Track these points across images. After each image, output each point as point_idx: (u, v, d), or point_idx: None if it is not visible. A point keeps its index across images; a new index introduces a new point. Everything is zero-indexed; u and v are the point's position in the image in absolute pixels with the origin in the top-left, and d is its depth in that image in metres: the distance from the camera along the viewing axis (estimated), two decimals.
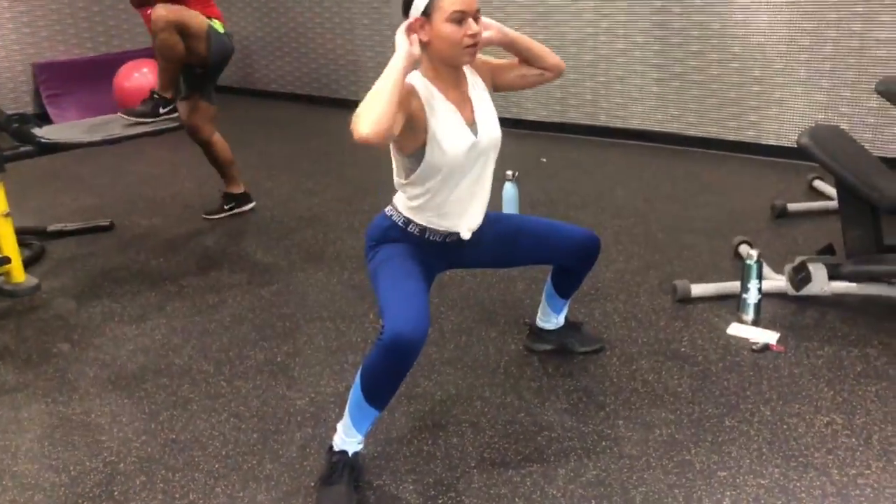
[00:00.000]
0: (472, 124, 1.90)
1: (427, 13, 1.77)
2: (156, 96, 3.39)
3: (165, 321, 2.81)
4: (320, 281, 3.10)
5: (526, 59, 2.01)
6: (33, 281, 3.04)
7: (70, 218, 3.89)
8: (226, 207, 3.87)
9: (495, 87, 2.03)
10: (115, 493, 1.89)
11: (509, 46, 1.98)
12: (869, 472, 1.85)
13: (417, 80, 1.84)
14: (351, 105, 6.39)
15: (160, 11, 3.19)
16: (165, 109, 3.39)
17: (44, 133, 3.24)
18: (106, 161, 4.93)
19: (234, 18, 7.33)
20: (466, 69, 1.94)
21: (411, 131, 1.79)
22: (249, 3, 7.18)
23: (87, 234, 3.73)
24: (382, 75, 1.68)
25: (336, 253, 3.38)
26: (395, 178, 1.95)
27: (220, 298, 2.98)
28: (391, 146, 1.89)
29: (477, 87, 1.96)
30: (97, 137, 3.28)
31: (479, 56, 1.92)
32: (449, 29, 1.76)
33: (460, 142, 1.85)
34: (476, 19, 1.79)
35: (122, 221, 3.88)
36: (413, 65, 1.75)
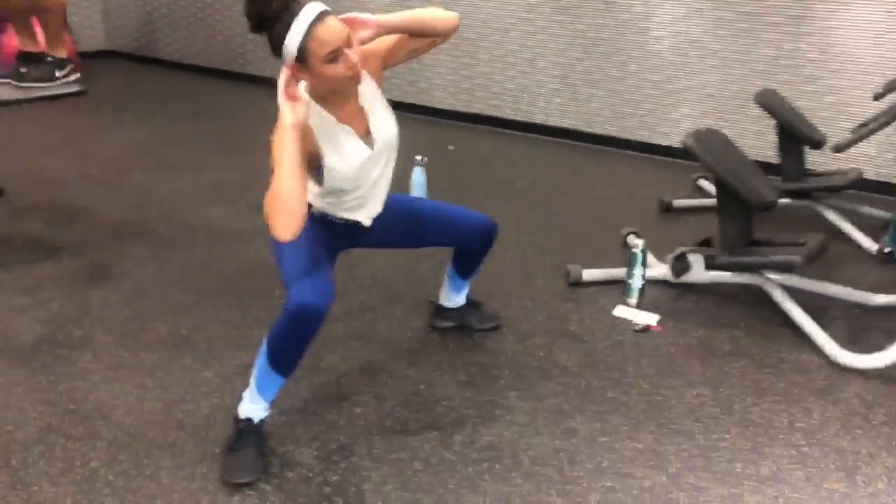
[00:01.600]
0: (366, 136, 1.92)
1: (301, 59, 1.71)
2: (49, 58, 3.21)
3: (63, 292, 2.74)
4: (224, 256, 3.10)
5: (420, 35, 1.95)
6: None
7: None
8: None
9: (387, 67, 2.00)
10: (13, 462, 1.88)
11: (399, 33, 1.92)
12: (728, 436, 2.08)
13: (309, 108, 1.77)
14: (259, 81, 6.34)
15: None
16: (62, 73, 3.21)
17: None
18: None
19: None
20: None
21: (309, 160, 1.79)
22: None
23: None
24: (278, 161, 1.64)
25: (240, 230, 3.38)
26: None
27: (121, 270, 2.93)
28: None
29: (367, 92, 1.93)
30: None
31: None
32: (328, 70, 1.72)
33: (355, 161, 1.89)
34: (350, 44, 1.73)
35: (14, 189, 3.71)
36: (301, 124, 1.69)
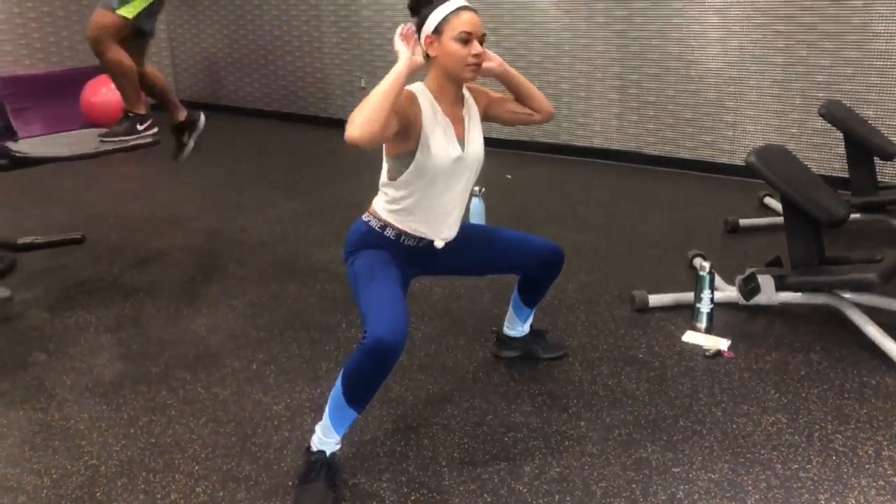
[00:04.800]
0: (461, 140, 2.05)
1: (438, 31, 1.94)
2: (130, 115, 3.43)
3: (140, 331, 2.86)
4: (293, 292, 3.18)
5: (518, 95, 2.19)
6: (5, 292, 3.06)
7: (41, 231, 3.90)
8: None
9: (486, 116, 2.19)
10: (98, 495, 1.95)
11: (507, 80, 2.15)
12: (810, 466, 2.00)
13: (421, 91, 2.00)
14: (319, 122, 6.57)
15: (91, 33, 3.14)
16: (143, 126, 3.41)
17: (18, 147, 3.27)
18: (75, 175, 4.94)
19: (203, 35, 7.39)
20: (465, 91, 2.09)
21: (405, 136, 1.92)
22: (218, 21, 7.25)
23: (59, 246, 3.75)
24: (383, 80, 1.79)
25: (308, 265, 3.46)
26: (382, 178, 2.06)
27: (193, 309, 3.04)
28: (383, 146, 2.00)
29: (471, 110, 2.12)
30: (70, 152, 3.32)
31: (479, 85, 2.11)
32: (455, 47, 1.93)
33: (449, 151, 2.00)
34: (481, 42, 1.96)
35: (93, 235, 3.91)
36: (414, 71, 1.87)
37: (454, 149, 2.01)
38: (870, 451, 2.05)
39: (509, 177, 4.81)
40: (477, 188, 3.68)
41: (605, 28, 4.94)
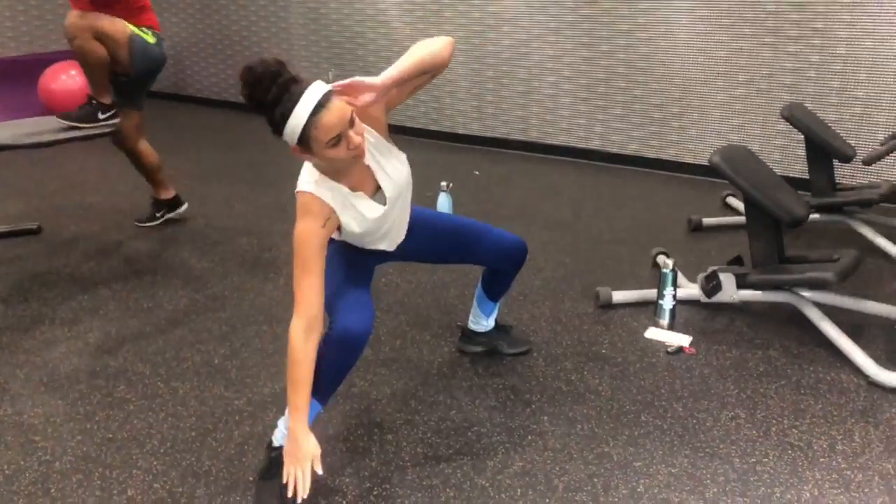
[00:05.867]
0: (376, 194, 1.92)
1: (303, 143, 1.68)
2: (94, 102, 3.36)
3: (98, 324, 2.80)
4: (255, 286, 3.14)
5: (421, 75, 1.90)
6: None
7: None
8: (157, 214, 3.85)
9: (390, 111, 1.97)
10: (52, 491, 1.90)
11: (404, 84, 1.87)
12: (767, 459, 2.04)
13: (319, 186, 1.80)
14: None
15: (71, 18, 3.15)
16: (104, 115, 3.35)
17: None
18: (32, 164, 4.81)
19: (167, 24, 7.25)
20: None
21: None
22: (183, 9, 7.13)
23: (14, 237, 3.65)
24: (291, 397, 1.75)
25: (271, 259, 3.42)
26: None
27: (154, 303, 2.98)
28: None
29: (374, 150, 1.89)
30: (29, 140, 3.23)
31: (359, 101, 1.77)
32: (330, 153, 1.68)
33: (370, 217, 1.90)
34: (353, 123, 1.68)
35: (50, 226, 3.82)
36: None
37: (373, 210, 1.91)
38: (824, 445, 2.09)
39: (477, 173, 4.82)
40: (444, 183, 3.68)
41: (573, 27, 4.96)
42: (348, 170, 1.83)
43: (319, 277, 1.75)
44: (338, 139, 1.66)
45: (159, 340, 2.68)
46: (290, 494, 1.72)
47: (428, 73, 1.91)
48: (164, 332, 2.74)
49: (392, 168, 1.94)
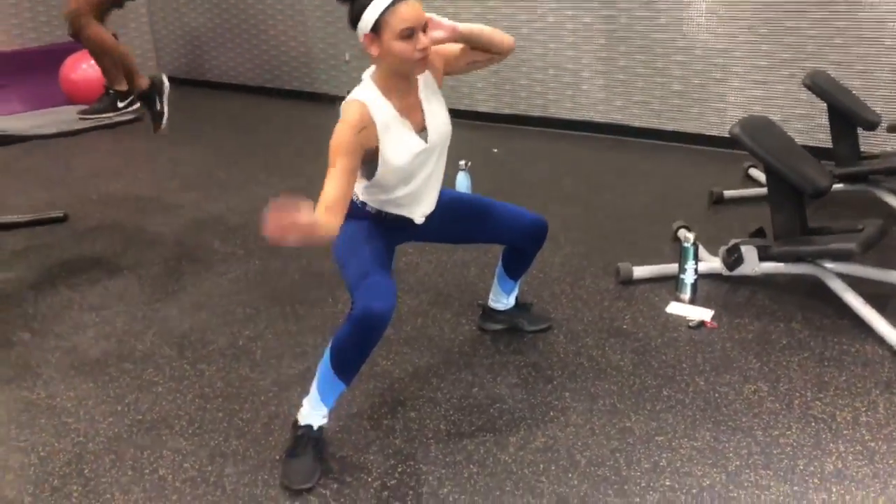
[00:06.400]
0: (421, 131, 1.97)
1: (376, 30, 1.80)
2: (111, 92, 3.39)
3: (125, 308, 2.85)
4: (278, 268, 3.17)
5: (481, 48, 2.03)
6: None
7: (22, 210, 3.86)
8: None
9: (446, 73, 2.07)
10: (86, 471, 1.96)
11: (466, 41, 1.99)
12: (790, 432, 2.04)
13: (370, 93, 1.88)
14: (303, 97, 6.47)
15: (68, 10, 3.11)
16: (123, 103, 3.37)
17: None
18: (55, 153, 4.87)
19: (184, 9, 7.27)
20: None
21: (365, 152, 1.87)
22: None
23: (41, 225, 3.72)
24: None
25: None
26: None
27: (179, 286, 3.03)
28: None
29: (428, 88, 2.00)
30: (52, 130, 3.28)
31: None
32: (399, 46, 1.80)
33: (409, 153, 1.94)
34: (425, 30, 1.83)
35: (75, 213, 3.87)
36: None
37: (415, 145, 1.95)
38: (847, 418, 2.09)
39: (496, 150, 4.80)
40: (463, 162, 3.67)
41: (591, 0, 4.90)
42: (403, 88, 1.92)
43: (344, 175, 1.79)
44: (410, 32, 1.78)
45: (185, 324, 2.73)
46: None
47: (490, 51, 2.04)
48: (190, 316, 2.79)
49: (440, 114, 2.01)
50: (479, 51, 2.04)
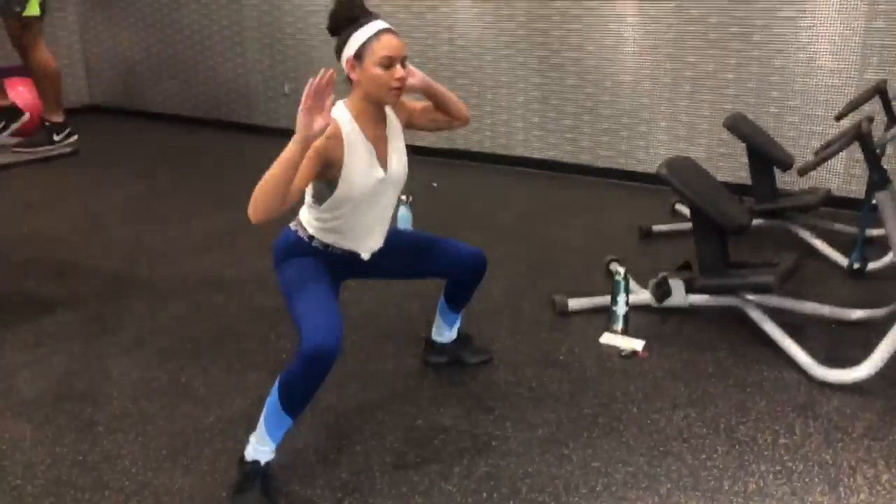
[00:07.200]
0: (383, 161, 2.10)
1: (359, 56, 1.96)
2: (47, 124, 3.34)
3: (63, 346, 2.80)
4: (220, 304, 3.17)
5: (440, 105, 2.26)
6: None
7: None
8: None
9: (408, 126, 2.25)
10: None
11: (429, 94, 2.22)
12: (716, 455, 2.17)
13: (342, 115, 2.01)
14: (242, 129, 6.46)
15: (12, 39, 3.12)
16: (59, 136, 3.34)
17: None
18: None
19: (118, 38, 7.19)
20: (387, 109, 2.14)
21: (326, 169, 1.96)
22: (135, 23, 7.07)
23: None
24: (278, 158, 1.75)
25: (235, 276, 3.45)
26: (307, 197, 2.10)
27: (118, 323, 2.99)
28: None
29: (393, 128, 2.16)
30: None
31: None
32: (377, 72, 1.96)
33: (370, 178, 2.05)
34: (402, 64, 2.00)
35: (7, 248, 3.77)
36: (308, 147, 1.79)
37: (377, 171, 2.07)
38: (768, 440, 2.23)
39: (435, 185, 4.91)
40: (403, 197, 3.76)
41: (525, 40, 5.10)
42: (373, 119, 2.06)
43: (300, 174, 1.83)
44: (390, 62, 1.95)
45: (125, 361, 2.70)
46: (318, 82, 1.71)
47: (449, 113, 2.28)
48: (130, 353, 2.76)
49: (399, 155, 2.17)
50: (441, 112, 2.27)
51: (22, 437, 2.25)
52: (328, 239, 2.11)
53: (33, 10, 3.18)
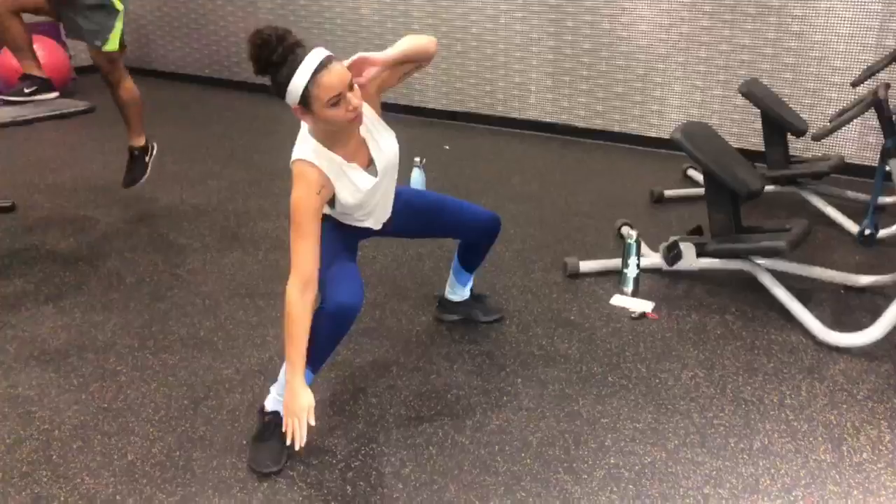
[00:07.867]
0: (369, 166, 2.02)
1: (304, 103, 1.77)
2: (23, 77, 3.33)
3: (84, 299, 2.86)
4: (236, 260, 3.22)
5: (411, 62, 2.06)
6: None
7: None
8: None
9: (382, 92, 2.10)
10: (54, 458, 2.00)
11: (397, 66, 2.03)
12: (723, 414, 2.22)
13: (315, 152, 1.89)
14: (254, 88, 6.44)
15: None
16: (30, 90, 3.30)
17: None
18: None
19: None
20: None
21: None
22: None
23: None
24: (287, 352, 1.84)
25: (249, 234, 3.50)
26: None
27: (137, 277, 3.05)
28: None
29: (368, 121, 2.01)
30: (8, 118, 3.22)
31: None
32: (330, 113, 1.77)
33: (360, 192, 2.01)
34: (352, 87, 1.78)
35: (24, 203, 3.83)
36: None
37: (366, 182, 2.00)
38: (774, 400, 2.28)
39: (447, 147, 4.92)
40: (418, 159, 3.78)
41: (540, 3, 5.06)
42: (344, 139, 1.93)
43: (314, 241, 1.86)
44: (338, 99, 1.76)
45: (145, 314, 2.76)
46: (288, 443, 1.83)
47: (416, 61, 2.07)
48: (149, 307, 2.82)
49: (384, 142, 2.06)
50: (409, 63, 2.08)
51: (49, 384, 2.33)
52: (340, 220, 2.16)
53: (113, 45, 3.29)
